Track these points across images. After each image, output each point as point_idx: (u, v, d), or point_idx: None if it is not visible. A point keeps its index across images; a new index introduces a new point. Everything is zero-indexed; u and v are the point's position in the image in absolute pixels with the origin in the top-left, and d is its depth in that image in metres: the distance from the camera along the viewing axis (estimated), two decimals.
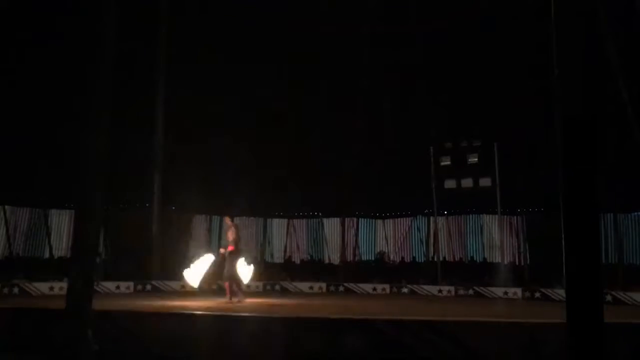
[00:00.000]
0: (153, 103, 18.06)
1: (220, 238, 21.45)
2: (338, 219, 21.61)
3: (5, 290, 14.33)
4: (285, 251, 22.06)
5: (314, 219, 22.14)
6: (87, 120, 4.89)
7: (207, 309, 10.15)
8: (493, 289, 16.92)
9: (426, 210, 20.64)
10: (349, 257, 21.51)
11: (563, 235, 3.57)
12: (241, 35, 18.12)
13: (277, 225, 22.20)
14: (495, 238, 19.68)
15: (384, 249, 21.72)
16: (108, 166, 5.00)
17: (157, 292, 16.35)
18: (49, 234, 18.95)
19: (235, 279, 12.44)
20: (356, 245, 21.93)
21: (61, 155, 15.10)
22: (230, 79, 17.98)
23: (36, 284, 14.96)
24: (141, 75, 17.58)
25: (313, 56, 18.41)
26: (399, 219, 21.98)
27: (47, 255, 18.89)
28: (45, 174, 16.72)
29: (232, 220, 13.10)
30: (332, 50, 18.35)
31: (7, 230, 18.29)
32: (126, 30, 8.50)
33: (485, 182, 17.61)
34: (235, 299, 12.16)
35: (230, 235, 12.32)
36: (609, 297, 14.09)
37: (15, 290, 14.59)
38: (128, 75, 14.75)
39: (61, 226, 19.19)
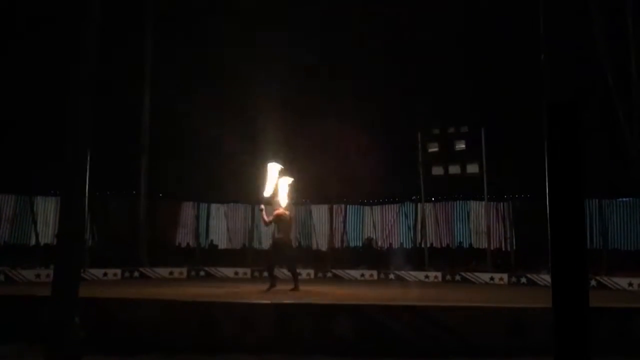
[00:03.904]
0: (140, 88, 17.97)
1: (208, 225, 21.46)
2: (326, 205, 21.63)
3: None
4: (273, 237, 22.03)
5: (302, 206, 22.13)
6: (72, 105, 4.83)
7: (194, 295, 10.14)
8: (479, 274, 17.06)
9: (414, 197, 20.70)
10: (337, 244, 21.57)
11: (549, 221, 3.58)
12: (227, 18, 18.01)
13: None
14: (482, 224, 19.81)
15: (371, 236, 21.80)
16: (94, 151, 4.94)
17: (145, 279, 16.33)
18: (34, 221, 18.82)
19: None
20: (344, 232, 21.98)
21: (47, 141, 14.96)
22: (217, 64, 17.90)
23: (22, 272, 14.88)
24: (128, 57, 17.47)
25: (297, 35, 18.23)
26: (386, 206, 22.05)
27: (33, 242, 18.77)
28: (30, 160, 16.57)
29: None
30: (317, 29, 18.20)
31: None
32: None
33: (472, 168, 17.68)
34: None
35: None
36: (593, 282, 14.27)
37: (1, 277, 14.53)
38: (114, 57, 14.66)
39: (47, 213, 19.06)
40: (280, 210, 12.05)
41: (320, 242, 21.83)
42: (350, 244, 22.00)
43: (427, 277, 17.64)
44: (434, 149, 18.23)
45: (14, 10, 15.92)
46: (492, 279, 16.74)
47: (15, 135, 16.45)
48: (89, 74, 4.90)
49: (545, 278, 14.86)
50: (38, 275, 14.68)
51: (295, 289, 11.47)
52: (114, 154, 16.90)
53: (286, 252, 12.02)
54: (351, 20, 18.36)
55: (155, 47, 18.13)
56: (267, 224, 12.29)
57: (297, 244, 21.93)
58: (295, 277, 11.89)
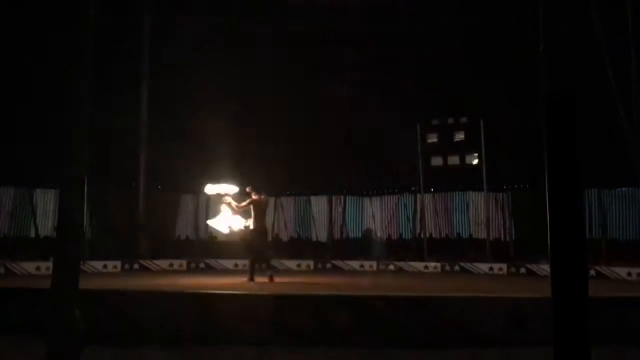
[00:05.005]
0: (137, 79, 17.93)
1: (208, 217, 21.44)
2: (325, 196, 21.61)
3: None
4: (272, 229, 22.05)
5: (301, 197, 22.11)
6: (70, 97, 4.82)
7: (195, 287, 10.16)
8: (479, 264, 17.10)
9: (413, 188, 20.68)
10: (337, 235, 21.57)
11: (548, 211, 3.58)
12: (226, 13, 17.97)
13: None
14: (481, 215, 19.82)
15: (371, 227, 21.80)
16: (93, 143, 4.94)
17: (145, 271, 16.35)
18: (34, 213, 18.78)
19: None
20: (343, 223, 21.98)
21: (45, 133, 14.93)
22: (215, 56, 17.88)
23: (22, 264, 14.89)
24: (125, 50, 17.43)
25: (298, 29, 18.19)
26: (385, 197, 22.02)
27: (32, 234, 18.75)
28: (29, 152, 16.53)
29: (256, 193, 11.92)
30: (317, 23, 18.15)
31: None
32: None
33: (471, 159, 17.69)
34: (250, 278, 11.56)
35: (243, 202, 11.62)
36: (592, 272, 14.30)
37: (1, 270, 14.54)
38: (111, 50, 14.62)
39: (46, 205, 19.01)
40: (255, 197, 11.80)
41: (320, 233, 21.83)
42: (350, 235, 22.01)
43: (426, 267, 17.69)
44: (433, 139, 18.24)
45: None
46: (491, 269, 16.78)
47: (14, 127, 16.40)
48: (88, 65, 4.89)
49: (544, 268, 14.88)
50: (38, 268, 14.69)
51: (271, 280, 11.35)
52: (114, 146, 16.88)
53: (263, 242, 11.83)
54: (350, 10, 18.32)
55: (153, 37, 18.07)
56: (239, 209, 11.85)
57: (295, 235, 21.97)
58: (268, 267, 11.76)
